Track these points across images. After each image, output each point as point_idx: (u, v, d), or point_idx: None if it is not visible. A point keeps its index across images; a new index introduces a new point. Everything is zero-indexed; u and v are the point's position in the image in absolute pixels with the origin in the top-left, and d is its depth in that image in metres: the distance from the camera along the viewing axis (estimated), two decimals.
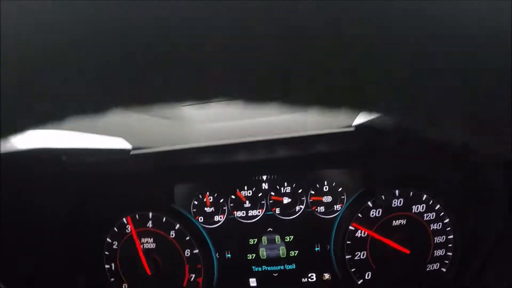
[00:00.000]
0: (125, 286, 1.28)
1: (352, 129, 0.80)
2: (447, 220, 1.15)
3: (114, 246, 1.27)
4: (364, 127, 0.79)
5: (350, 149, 1.13)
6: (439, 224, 1.16)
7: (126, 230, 1.25)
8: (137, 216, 1.24)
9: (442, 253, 1.17)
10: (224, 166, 1.18)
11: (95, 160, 0.98)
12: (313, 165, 1.17)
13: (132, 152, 0.86)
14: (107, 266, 1.28)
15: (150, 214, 1.23)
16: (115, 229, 1.26)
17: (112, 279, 1.28)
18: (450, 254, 1.16)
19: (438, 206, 1.15)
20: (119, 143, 0.85)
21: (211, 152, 0.92)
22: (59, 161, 0.96)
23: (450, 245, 1.16)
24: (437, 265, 1.17)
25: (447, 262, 1.17)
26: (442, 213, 1.15)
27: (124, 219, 1.25)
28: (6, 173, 0.86)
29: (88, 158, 0.96)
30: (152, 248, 1.24)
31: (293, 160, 1.15)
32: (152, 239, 1.23)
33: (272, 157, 1.11)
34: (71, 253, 1.25)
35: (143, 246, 1.24)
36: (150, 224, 1.24)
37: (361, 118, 0.80)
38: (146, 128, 0.95)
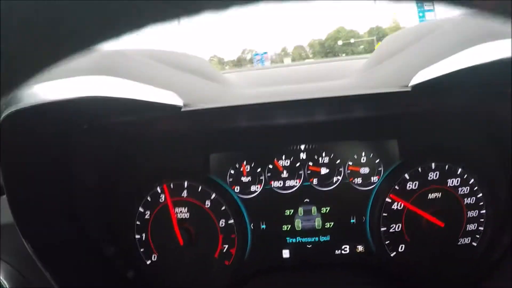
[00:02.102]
0: (154, 256, 1.27)
1: (408, 89, 0.82)
2: (480, 195, 1.17)
3: (146, 216, 1.26)
4: (420, 87, 0.80)
5: (389, 120, 1.14)
6: (473, 199, 1.18)
7: (160, 200, 1.25)
8: (171, 185, 1.23)
9: (474, 227, 1.18)
10: (262, 135, 1.18)
11: (134, 119, 0.96)
12: (351, 135, 1.18)
13: (183, 109, 0.85)
14: (137, 236, 1.27)
15: (186, 183, 1.23)
16: (148, 198, 1.25)
17: (142, 250, 1.27)
18: (482, 228, 1.18)
19: (472, 180, 1.17)
20: (171, 98, 0.84)
21: (256, 111, 0.91)
22: (97, 115, 0.93)
23: (482, 219, 1.18)
24: (468, 239, 1.19)
25: (478, 236, 1.19)
26: (476, 188, 1.17)
27: (158, 188, 1.24)
28: (43, 124, 0.84)
29: (131, 114, 0.94)
30: (185, 218, 1.23)
31: (332, 128, 1.15)
32: (186, 208, 1.23)
33: (311, 123, 1.11)
34: (101, 222, 1.23)
35: (177, 216, 1.23)
36: (185, 193, 1.23)
37: (418, 78, 0.81)
38: (192, 86, 0.94)
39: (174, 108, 0.81)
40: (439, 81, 0.77)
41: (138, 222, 1.26)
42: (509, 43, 0.64)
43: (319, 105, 0.89)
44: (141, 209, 1.25)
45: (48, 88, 0.79)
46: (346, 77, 1.13)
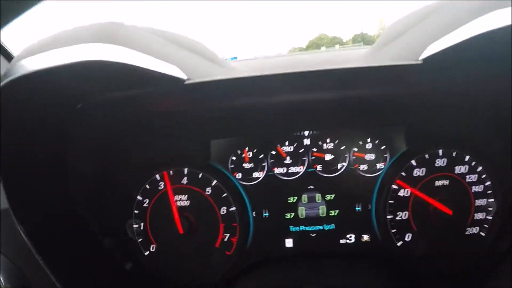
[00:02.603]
0: (153, 247, 1.23)
1: (419, 62, 0.79)
2: (488, 183, 1.14)
3: (145, 204, 1.22)
4: (433, 60, 0.77)
5: (395, 106, 1.11)
6: (481, 187, 1.15)
7: (159, 187, 1.21)
8: (171, 172, 1.20)
9: (483, 216, 1.15)
10: (264, 120, 1.15)
11: (133, 94, 0.92)
12: (357, 120, 1.15)
13: (187, 82, 0.81)
14: (135, 226, 1.23)
15: (186, 170, 1.19)
16: (146, 186, 1.21)
17: (140, 240, 1.23)
18: (490, 218, 1.15)
19: (480, 168, 1.14)
20: (175, 70, 0.80)
21: (259, 84, 0.87)
22: (93, 90, 0.89)
23: (491, 208, 1.15)
24: (476, 229, 1.16)
25: (486, 226, 1.15)
26: (484, 176, 1.14)
27: (157, 175, 1.21)
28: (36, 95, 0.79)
29: (130, 87, 0.90)
30: (185, 205, 1.19)
31: (337, 113, 1.12)
32: (186, 196, 1.19)
33: (316, 107, 1.07)
34: (98, 210, 1.19)
35: (176, 203, 1.19)
36: (185, 180, 1.19)
37: (429, 51, 0.78)
38: (197, 65, 0.91)
39: (177, 81, 0.78)
40: (451, 52, 0.74)
41: (136, 211, 1.22)
42: None
43: (325, 80, 0.86)
44: (139, 197, 1.22)
45: (47, 58, 0.75)
46: (351, 62, 1.11)
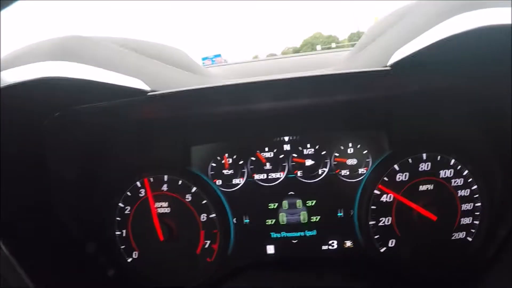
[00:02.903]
0: (135, 254, 1.22)
1: (387, 68, 0.76)
2: (475, 187, 1.11)
3: (126, 212, 1.21)
4: (400, 65, 0.75)
5: (376, 109, 1.08)
6: (467, 191, 1.11)
7: (140, 194, 1.20)
8: (151, 179, 1.19)
9: (469, 221, 1.12)
10: (243, 126, 1.13)
11: (103, 105, 0.91)
12: (337, 124, 1.13)
13: (149, 93, 0.80)
14: (117, 233, 1.22)
15: (166, 177, 1.18)
16: (127, 193, 1.21)
17: (123, 247, 1.22)
18: (477, 222, 1.12)
19: (466, 171, 1.11)
20: (137, 83, 0.79)
21: (229, 94, 0.85)
22: (65, 102, 0.88)
23: (477, 213, 1.12)
24: (463, 233, 1.13)
25: (473, 231, 1.12)
26: (470, 179, 1.11)
27: (138, 183, 1.20)
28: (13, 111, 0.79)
29: (98, 99, 0.89)
30: (166, 212, 1.18)
31: (317, 118, 1.10)
32: (167, 203, 1.18)
33: (295, 112, 1.05)
34: (80, 219, 1.19)
35: (157, 210, 1.18)
36: (165, 187, 1.18)
37: (396, 56, 0.75)
38: (164, 75, 0.89)
39: (140, 92, 0.76)
40: (417, 57, 0.72)
41: (118, 218, 1.21)
42: (485, 13, 0.59)
43: (298, 87, 0.84)
44: (121, 204, 1.21)
45: (12, 73, 0.75)
46: (330, 66, 1.08)
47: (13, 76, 0.76)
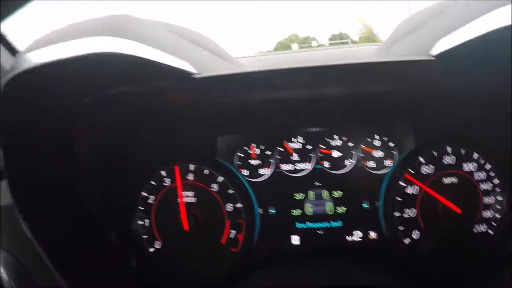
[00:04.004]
0: (158, 244, 1.22)
1: (432, 58, 0.78)
2: (497, 181, 1.13)
3: (150, 201, 1.21)
4: (446, 55, 0.77)
5: (403, 102, 1.10)
6: (489, 185, 1.14)
7: (164, 183, 1.20)
8: (177, 168, 1.19)
9: (491, 215, 1.14)
10: (271, 116, 1.14)
11: (139, 88, 0.91)
12: (365, 117, 1.14)
13: (196, 76, 0.80)
14: (140, 223, 1.21)
15: (192, 166, 1.18)
16: (152, 182, 1.20)
17: (145, 237, 1.21)
18: (499, 216, 1.14)
19: (489, 165, 1.13)
20: (184, 64, 0.79)
21: (268, 79, 0.86)
22: (99, 84, 0.87)
23: (499, 206, 1.14)
24: (484, 227, 1.15)
25: (495, 224, 1.14)
26: (493, 173, 1.13)
27: (162, 171, 1.20)
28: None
29: (137, 81, 0.89)
30: (192, 202, 1.18)
31: (345, 110, 1.11)
32: (192, 192, 1.18)
33: (324, 104, 1.07)
34: (104, 206, 1.18)
35: (183, 200, 1.18)
36: (191, 176, 1.18)
37: (441, 46, 0.77)
38: (206, 61, 0.90)
39: (187, 75, 0.77)
40: (463, 49, 0.73)
41: (141, 207, 1.21)
42: None
43: (336, 75, 0.85)
44: (144, 194, 1.20)
45: (55, 50, 0.74)
46: (363, 59, 1.10)
47: (54, 53, 0.75)
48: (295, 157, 1.17)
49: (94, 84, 0.90)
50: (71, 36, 0.75)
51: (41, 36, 0.81)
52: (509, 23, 0.67)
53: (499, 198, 1.14)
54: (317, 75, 0.85)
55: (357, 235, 1.17)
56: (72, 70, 0.78)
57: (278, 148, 1.17)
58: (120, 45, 0.71)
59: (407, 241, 1.15)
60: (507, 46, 0.76)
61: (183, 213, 1.15)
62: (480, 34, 0.70)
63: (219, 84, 0.84)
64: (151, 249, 1.22)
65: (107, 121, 1.10)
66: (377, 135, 1.15)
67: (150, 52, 0.73)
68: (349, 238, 1.17)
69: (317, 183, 1.17)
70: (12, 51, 1.09)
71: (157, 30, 0.81)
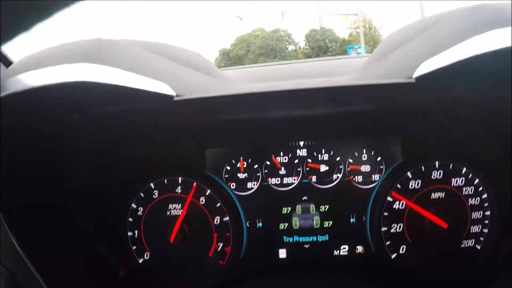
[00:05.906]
0: (147, 254, 1.23)
1: (412, 80, 0.78)
2: (485, 196, 1.13)
3: (139, 213, 1.22)
4: (425, 78, 0.76)
5: (391, 117, 1.10)
6: (477, 199, 1.13)
7: (153, 196, 1.21)
8: (165, 181, 1.19)
9: (478, 229, 1.14)
10: (259, 130, 1.14)
11: (125, 108, 0.92)
12: (352, 131, 1.14)
13: (175, 98, 0.81)
14: (129, 234, 1.22)
15: (180, 179, 1.19)
16: (141, 194, 1.21)
17: (134, 247, 1.22)
18: (486, 231, 1.14)
19: (477, 180, 1.13)
20: (163, 87, 0.80)
21: (251, 102, 0.86)
22: (87, 104, 0.88)
23: (487, 221, 1.14)
24: (472, 241, 1.14)
25: (482, 239, 1.14)
26: (481, 188, 1.13)
27: (151, 184, 1.20)
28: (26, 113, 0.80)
29: (122, 103, 0.90)
30: (180, 215, 1.19)
31: (332, 124, 1.11)
32: (180, 205, 1.19)
33: (311, 118, 1.07)
34: (92, 219, 1.19)
35: (170, 212, 1.19)
36: (179, 189, 1.19)
37: (422, 69, 0.77)
38: (186, 78, 0.90)
39: (166, 98, 0.77)
40: (443, 72, 0.73)
41: (130, 219, 1.22)
42: None
43: (320, 97, 0.85)
44: (134, 205, 1.21)
45: (38, 75, 0.75)
46: (347, 74, 1.10)
47: (38, 78, 0.76)
48: (283, 171, 1.17)
49: (77, 105, 0.90)
50: (53, 61, 0.76)
51: (27, 57, 0.83)
52: (489, 49, 0.67)
53: (487, 213, 1.14)
54: (297, 98, 0.85)
55: (343, 249, 1.17)
56: (55, 95, 0.79)
57: (266, 162, 1.17)
58: (98, 72, 0.72)
59: (393, 255, 1.15)
60: (489, 68, 0.76)
61: (177, 226, 1.16)
62: (461, 58, 0.70)
63: (200, 105, 0.84)
64: (140, 260, 1.23)
65: (96, 137, 1.11)
66: (364, 149, 1.15)
67: (127, 78, 0.74)
68: (336, 252, 1.18)
69: (304, 197, 1.17)
70: (6, 62, 1.10)
71: (134, 52, 0.81)
